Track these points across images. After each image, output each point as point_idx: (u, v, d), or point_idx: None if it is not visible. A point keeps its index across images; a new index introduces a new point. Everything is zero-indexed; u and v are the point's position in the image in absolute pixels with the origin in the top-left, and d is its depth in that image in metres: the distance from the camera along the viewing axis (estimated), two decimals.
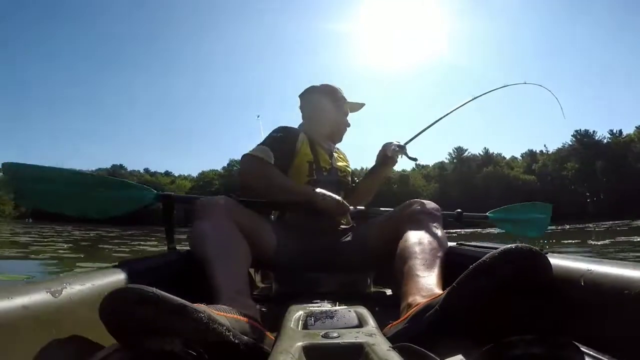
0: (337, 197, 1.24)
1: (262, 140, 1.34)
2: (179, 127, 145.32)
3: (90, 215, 1.21)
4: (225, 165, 67.15)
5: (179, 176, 77.07)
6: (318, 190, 1.23)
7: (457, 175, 58.67)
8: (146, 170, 78.47)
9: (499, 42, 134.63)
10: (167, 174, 78.71)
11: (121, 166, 76.40)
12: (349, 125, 1.57)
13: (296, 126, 1.51)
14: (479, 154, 62.84)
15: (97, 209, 1.19)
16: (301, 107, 1.59)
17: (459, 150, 63.20)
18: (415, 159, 1.48)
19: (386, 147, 1.44)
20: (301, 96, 1.58)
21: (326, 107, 1.51)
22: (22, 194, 1.11)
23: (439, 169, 63.64)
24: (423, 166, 65.50)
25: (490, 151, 62.94)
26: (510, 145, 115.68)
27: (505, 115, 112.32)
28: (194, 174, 76.33)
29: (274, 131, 1.39)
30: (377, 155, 1.49)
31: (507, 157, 64.51)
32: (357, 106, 1.61)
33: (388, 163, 1.47)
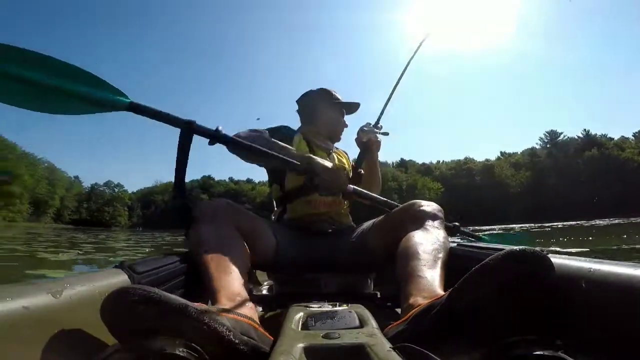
0: (337, 168, 1.23)
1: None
2: None
3: (47, 110, 0.96)
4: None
5: (259, 182, 78.25)
6: (317, 158, 1.21)
7: (552, 161, 53.36)
8: (230, 179, 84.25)
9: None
10: (249, 181, 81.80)
11: (209, 177, 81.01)
12: (346, 125, 1.59)
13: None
14: (578, 136, 57.01)
15: (57, 103, 0.96)
16: (298, 111, 1.63)
17: (552, 134, 57.97)
18: (386, 133, 1.49)
19: (359, 133, 1.47)
20: (299, 101, 1.62)
21: (322, 109, 1.55)
22: None
23: (530, 155, 58.15)
24: (510, 154, 60.94)
25: (592, 132, 56.74)
26: (615, 126, 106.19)
27: (604, 93, 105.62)
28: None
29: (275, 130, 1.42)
30: (357, 144, 1.51)
31: (615, 137, 57.02)
32: (354, 107, 1.62)
33: (368, 148, 1.47)
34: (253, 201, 67.58)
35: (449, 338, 0.61)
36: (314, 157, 1.20)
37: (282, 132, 1.42)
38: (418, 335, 0.62)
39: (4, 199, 44.30)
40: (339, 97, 1.59)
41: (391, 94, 1.59)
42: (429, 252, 0.90)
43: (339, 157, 1.57)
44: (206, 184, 78.27)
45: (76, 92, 0.95)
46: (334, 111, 1.56)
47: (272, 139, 1.23)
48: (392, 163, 70.69)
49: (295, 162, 1.15)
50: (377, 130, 1.46)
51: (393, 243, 1.04)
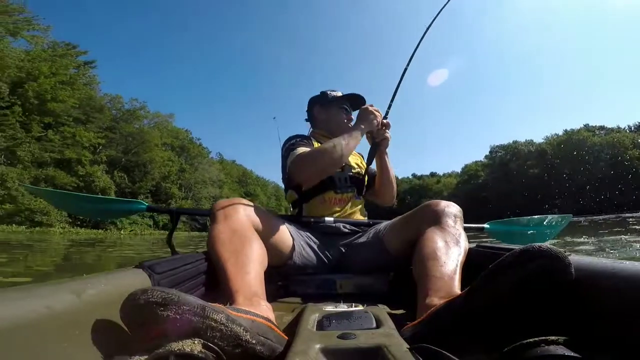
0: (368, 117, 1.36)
1: (290, 148, 1.36)
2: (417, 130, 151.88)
3: (101, 218, 1.51)
4: (488, 153, 61.35)
5: (444, 175, 78.06)
6: (356, 123, 1.37)
7: None
8: (413, 175, 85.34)
9: None
10: (433, 174, 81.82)
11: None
12: (351, 119, 1.56)
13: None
14: None
15: (103, 215, 1.60)
16: (306, 119, 1.69)
17: None
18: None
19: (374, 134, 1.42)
20: (307, 108, 1.67)
21: (317, 112, 1.60)
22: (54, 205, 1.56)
23: None
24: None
25: None
26: None
27: None
28: (457, 169, 74.03)
29: (291, 139, 1.42)
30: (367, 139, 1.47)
31: None
32: (354, 100, 1.58)
33: (377, 144, 1.43)
34: (440, 195, 64.50)
35: (467, 338, 0.61)
36: (355, 126, 1.35)
37: (309, 142, 1.44)
38: (435, 336, 0.62)
39: None
40: (337, 94, 1.59)
41: (397, 87, 1.49)
42: (447, 252, 0.89)
43: (352, 156, 1.54)
44: None
45: (112, 209, 1.46)
46: (328, 111, 1.57)
47: (331, 145, 1.27)
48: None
49: (354, 142, 1.30)
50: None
51: (410, 242, 1.04)
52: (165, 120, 39.46)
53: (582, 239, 5.74)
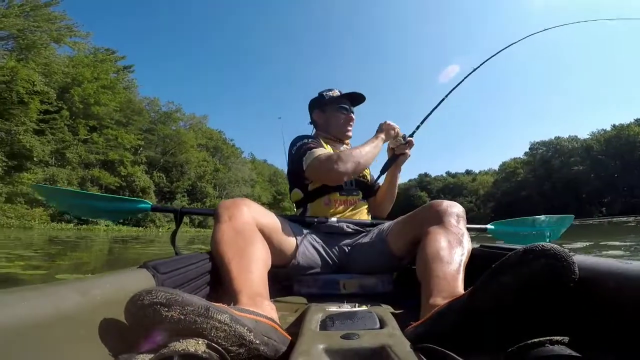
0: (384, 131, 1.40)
1: (301, 148, 1.36)
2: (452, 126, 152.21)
3: (104, 218, 1.45)
4: (527, 149, 59.62)
5: (480, 172, 77.32)
6: (376, 134, 1.40)
7: None
8: (447, 172, 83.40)
9: None
10: (468, 172, 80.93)
11: (426, 174, 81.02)
12: (351, 119, 1.54)
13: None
14: None
15: (107, 215, 1.48)
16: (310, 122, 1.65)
17: None
18: (410, 145, 1.47)
19: (390, 142, 1.45)
20: (309, 111, 1.64)
21: (315, 115, 1.57)
22: (55, 205, 1.50)
23: None
24: None
25: None
26: None
27: None
28: (495, 166, 72.82)
29: (300, 139, 1.41)
30: (387, 152, 1.50)
31: None
32: (354, 98, 1.55)
33: (396, 158, 1.46)
34: (475, 193, 65.33)
35: (470, 338, 0.60)
36: (376, 137, 1.38)
37: (320, 144, 1.42)
38: (438, 336, 0.61)
39: None
40: (333, 94, 1.54)
41: (430, 113, 1.56)
42: (450, 252, 0.88)
43: None
44: (423, 181, 76.93)
45: (116, 209, 1.42)
46: (326, 113, 1.54)
47: (352, 154, 1.29)
48: None
49: (375, 151, 1.34)
50: (404, 142, 1.44)
51: (414, 243, 1.04)
52: (199, 121, 40.88)
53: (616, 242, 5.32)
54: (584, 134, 54.59)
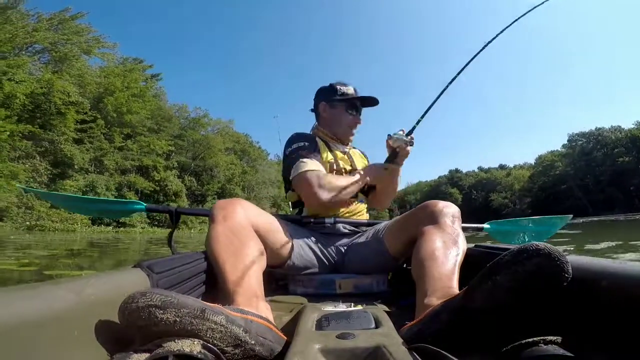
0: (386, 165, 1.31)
1: (294, 153, 1.33)
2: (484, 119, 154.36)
3: (104, 217, 1.52)
4: (566, 142, 56.09)
5: (515, 166, 72.00)
6: (369, 169, 1.34)
7: None
8: (480, 168, 78.00)
9: None
10: (502, 167, 75.61)
11: (457, 170, 78.38)
12: (358, 122, 1.46)
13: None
14: None
15: (105, 214, 1.54)
16: (313, 110, 1.56)
17: None
18: (411, 144, 1.33)
19: (388, 139, 1.32)
20: (314, 98, 1.54)
21: (323, 108, 1.47)
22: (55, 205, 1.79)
23: None
24: None
25: None
26: None
27: None
28: (531, 160, 68.03)
29: (295, 141, 1.36)
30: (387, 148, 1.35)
31: None
32: (367, 101, 1.46)
33: (397, 156, 1.33)
34: (511, 188, 61.48)
35: (464, 337, 0.60)
36: (369, 170, 1.33)
37: (316, 149, 1.36)
38: (433, 335, 0.61)
39: None
40: (348, 91, 1.44)
41: (430, 107, 1.39)
42: (445, 253, 0.87)
43: (356, 158, 1.49)
44: (454, 177, 73.76)
45: (111, 209, 1.48)
46: (334, 109, 1.45)
47: (339, 183, 1.25)
48: None
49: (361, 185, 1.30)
50: (407, 139, 1.31)
51: (409, 243, 1.04)
52: (226, 125, 41.76)
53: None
54: (628, 123, 50.85)
